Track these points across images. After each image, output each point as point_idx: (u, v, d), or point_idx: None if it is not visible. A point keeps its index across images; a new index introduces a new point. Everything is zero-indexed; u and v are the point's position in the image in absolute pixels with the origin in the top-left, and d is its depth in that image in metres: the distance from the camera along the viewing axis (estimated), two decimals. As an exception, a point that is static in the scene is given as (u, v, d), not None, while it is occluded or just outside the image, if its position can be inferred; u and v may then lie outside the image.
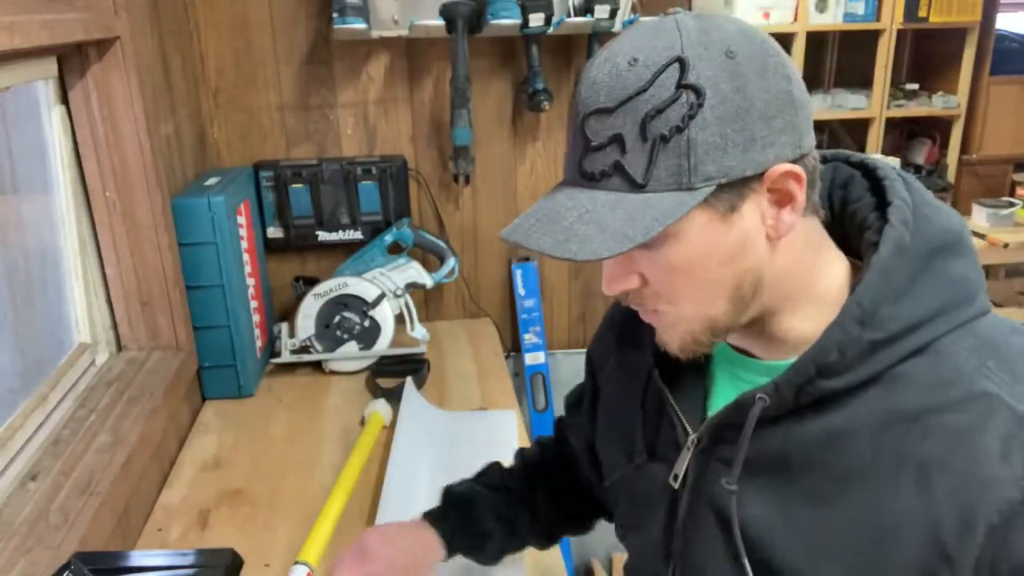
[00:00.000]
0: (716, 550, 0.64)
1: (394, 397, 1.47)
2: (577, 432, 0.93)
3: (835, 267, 0.64)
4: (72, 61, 1.17)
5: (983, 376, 0.56)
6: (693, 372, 0.71)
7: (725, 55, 0.56)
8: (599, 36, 1.66)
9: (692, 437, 0.67)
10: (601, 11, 1.57)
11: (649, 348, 0.72)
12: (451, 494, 0.95)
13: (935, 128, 2.47)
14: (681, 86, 0.55)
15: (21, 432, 1.05)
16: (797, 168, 0.58)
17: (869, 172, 0.66)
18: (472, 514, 0.93)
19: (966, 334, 0.58)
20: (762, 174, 0.57)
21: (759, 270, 0.60)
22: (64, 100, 1.20)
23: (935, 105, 2.38)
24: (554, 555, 1.08)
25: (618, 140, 0.57)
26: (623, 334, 0.81)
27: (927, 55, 2.50)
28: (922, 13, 2.24)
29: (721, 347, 0.70)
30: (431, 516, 0.93)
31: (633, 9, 1.61)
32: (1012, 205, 2.31)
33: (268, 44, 1.66)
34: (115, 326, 1.33)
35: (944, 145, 2.48)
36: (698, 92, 0.55)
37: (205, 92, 1.67)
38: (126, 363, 1.30)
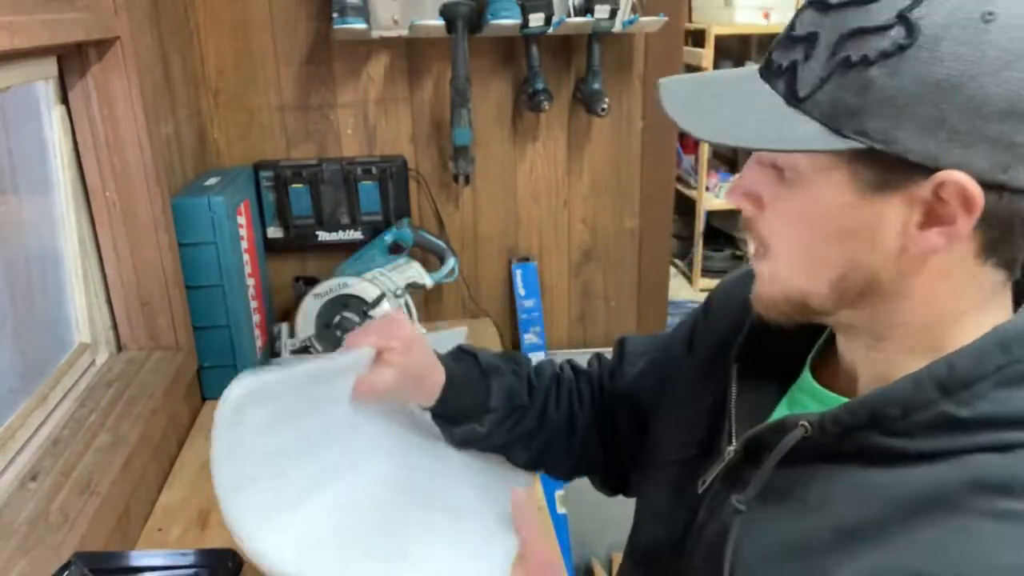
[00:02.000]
0: (711, 568, 0.61)
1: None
2: (643, 357, 0.86)
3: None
4: (72, 61, 1.17)
5: None
6: (769, 385, 0.65)
7: (981, 16, 0.44)
8: (599, 36, 1.66)
9: (730, 449, 0.63)
10: (601, 11, 1.57)
11: (738, 341, 0.68)
12: (471, 352, 0.82)
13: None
14: (900, 16, 0.45)
15: (21, 432, 1.05)
16: (974, 189, 0.46)
17: None
18: (486, 383, 0.80)
19: None
20: (929, 173, 0.46)
21: (874, 274, 0.52)
22: (64, 100, 1.20)
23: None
24: (554, 555, 1.08)
25: (811, 42, 0.49)
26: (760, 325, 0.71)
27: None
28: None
29: (804, 376, 0.64)
30: (443, 358, 0.80)
31: (633, 9, 1.61)
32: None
33: (268, 44, 1.66)
34: (115, 326, 1.33)
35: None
36: (911, 32, 0.45)
37: (205, 92, 1.67)
38: (126, 363, 1.30)
